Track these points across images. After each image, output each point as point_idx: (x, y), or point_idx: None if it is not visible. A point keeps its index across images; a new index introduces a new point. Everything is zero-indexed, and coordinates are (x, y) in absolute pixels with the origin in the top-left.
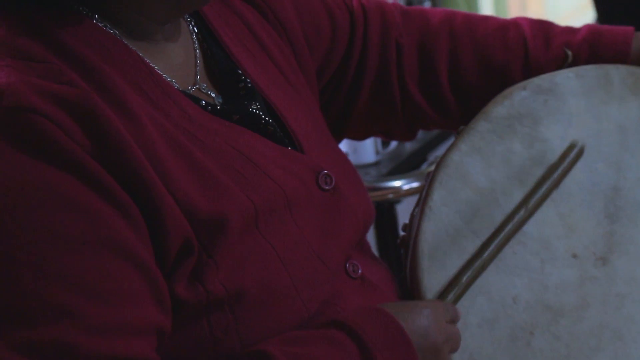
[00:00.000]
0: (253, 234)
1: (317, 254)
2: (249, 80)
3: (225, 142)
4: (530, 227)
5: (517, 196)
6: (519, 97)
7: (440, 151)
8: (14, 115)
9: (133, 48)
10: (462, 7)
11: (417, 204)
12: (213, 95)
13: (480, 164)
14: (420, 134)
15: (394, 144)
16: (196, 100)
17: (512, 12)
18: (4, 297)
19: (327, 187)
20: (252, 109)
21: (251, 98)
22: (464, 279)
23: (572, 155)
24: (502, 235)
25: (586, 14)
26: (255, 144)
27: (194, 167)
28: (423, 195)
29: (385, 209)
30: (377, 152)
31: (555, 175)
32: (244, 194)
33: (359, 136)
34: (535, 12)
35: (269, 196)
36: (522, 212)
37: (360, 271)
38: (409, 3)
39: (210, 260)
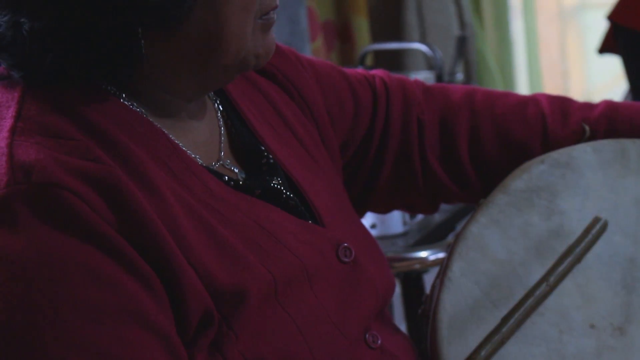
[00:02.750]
0: (273, 306)
1: (336, 325)
2: (271, 156)
3: (246, 216)
4: (548, 297)
5: (535, 268)
6: (538, 170)
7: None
8: (42, 190)
9: (158, 125)
10: (497, 78)
11: (437, 275)
12: (236, 170)
13: (499, 236)
14: (448, 204)
15: (421, 214)
16: (219, 176)
17: (547, 82)
18: None
19: (346, 260)
20: (274, 184)
21: (273, 173)
22: (483, 352)
23: (595, 229)
24: (522, 309)
25: (624, 84)
26: (276, 218)
27: (215, 240)
28: (443, 266)
29: (412, 279)
30: (405, 223)
31: (578, 250)
32: (264, 267)
33: (382, 210)
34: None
35: (289, 269)
36: (543, 287)
37: (379, 342)
38: (439, 77)
39: (230, 331)
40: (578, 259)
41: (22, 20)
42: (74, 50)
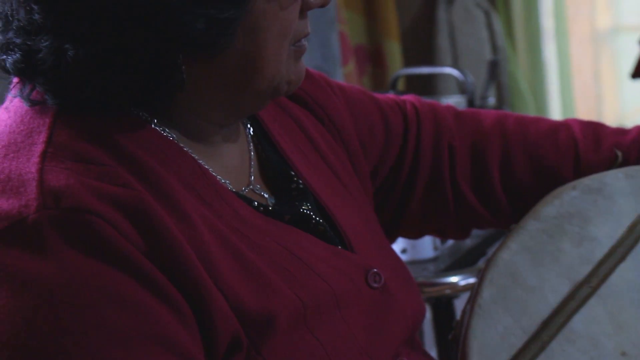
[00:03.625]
0: (301, 331)
1: (365, 351)
2: (301, 181)
3: (275, 242)
4: (579, 324)
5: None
6: (569, 197)
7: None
8: (71, 216)
9: (189, 150)
10: (529, 102)
11: (468, 301)
12: (266, 196)
13: (530, 263)
14: (479, 230)
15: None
16: (249, 201)
17: (580, 105)
18: None
19: (376, 285)
20: (303, 209)
21: (303, 198)
22: None
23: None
24: (564, 313)
25: None
26: (305, 243)
27: (244, 266)
28: (473, 292)
29: (443, 304)
30: (436, 248)
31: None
32: (292, 292)
33: (413, 235)
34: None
35: (318, 294)
36: (585, 289)
37: None
38: (471, 102)
39: (259, 357)
40: (622, 258)
41: (67, 46)
42: (116, 77)
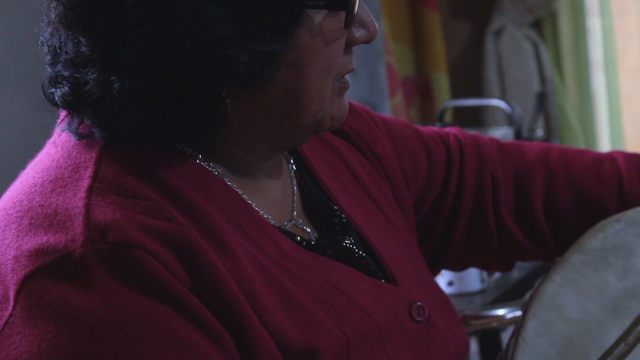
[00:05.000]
0: None
1: None
2: (343, 215)
3: (318, 276)
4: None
5: (611, 328)
6: (613, 229)
7: None
8: (117, 250)
9: (233, 185)
10: (578, 134)
11: (512, 335)
12: (309, 230)
13: (574, 296)
14: (524, 262)
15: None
16: (292, 236)
17: (629, 137)
18: None
19: (419, 319)
20: (346, 243)
21: (345, 232)
22: None
23: None
24: None
25: None
26: (349, 277)
27: (287, 300)
28: (517, 326)
29: (490, 337)
30: (482, 280)
31: None
32: (336, 326)
33: (457, 268)
34: None
35: (361, 328)
36: (621, 347)
37: None
38: (518, 134)
39: None
40: None
41: (112, 78)
42: (161, 110)
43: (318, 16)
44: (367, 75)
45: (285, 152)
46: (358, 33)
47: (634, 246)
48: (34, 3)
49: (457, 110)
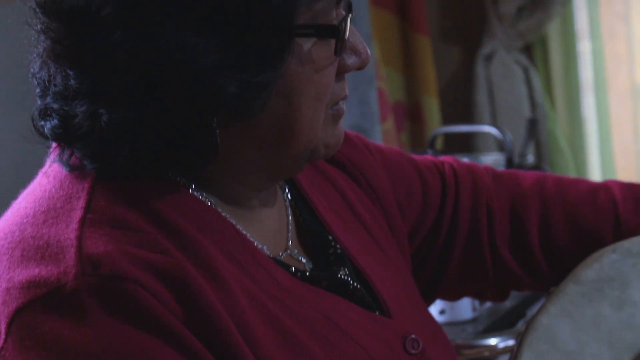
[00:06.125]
0: None
1: None
2: (338, 246)
3: (312, 308)
4: None
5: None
6: (609, 260)
7: (538, 307)
8: (110, 283)
9: (227, 215)
10: (568, 159)
11: None
12: (303, 260)
13: (570, 327)
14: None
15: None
16: (286, 266)
17: (619, 162)
18: None
19: (414, 352)
20: (341, 274)
21: (340, 263)
22: None
23: None
24: None
25: None
26: (343, 310)
27: (281, 333)
28: (512, 357)
29: None
30: (474, 309)
31: None
32: None
33: (451, 297)
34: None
35: None
36: None
37: None
38: (509, 160)
39: None
40: None
41: (101, 110)
42: (150, 141)
43: (307, 44)
44: (358, 101)
45: (280, 181)
46: (350, 60)
47: (630, 277)
48: (23, 35)
49: (448, 136)
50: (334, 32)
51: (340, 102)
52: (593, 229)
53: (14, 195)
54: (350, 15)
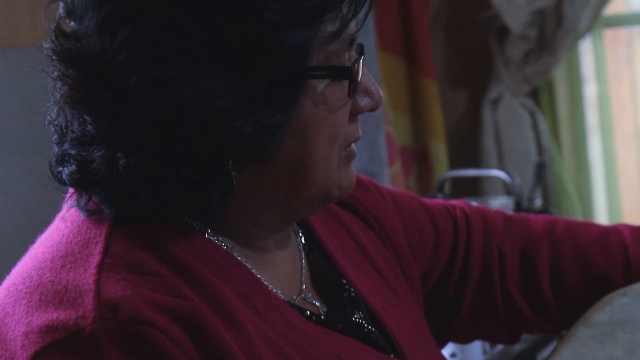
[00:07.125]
0: None
1: None
2: (352, 290)
3: (328, 351)
4: None
5: None
6: (620, 303)
7: (548, 351)
8: (128, 327)
9: (242, 259)
10: (575, 203)
11: None
12: (318, 304)
13: None
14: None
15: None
16: (301, 310)
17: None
18: None
19: None
20: (355, 317)
21: (354, 307)
22: None
23: None
24: None
25: None
26: (358, 353)
27: None
28: None
29: None
30: (485, 352)
31: None
32: None
33: (463, 340)
34: None
35: None
36: None
37: None
38: (518, 203)
39: None
40: None
41: (118, 155)
42: (167, 185)
43: (321, 85)
44: (367, 145)
45: (294, 224)
46: (363, 101)
47: None
48: (35, 75)
49: (455, 180)
50: (347, 73)
51: (353, 144)
52: (604, 272)
53: (21, 234)
54: (362, 57)
